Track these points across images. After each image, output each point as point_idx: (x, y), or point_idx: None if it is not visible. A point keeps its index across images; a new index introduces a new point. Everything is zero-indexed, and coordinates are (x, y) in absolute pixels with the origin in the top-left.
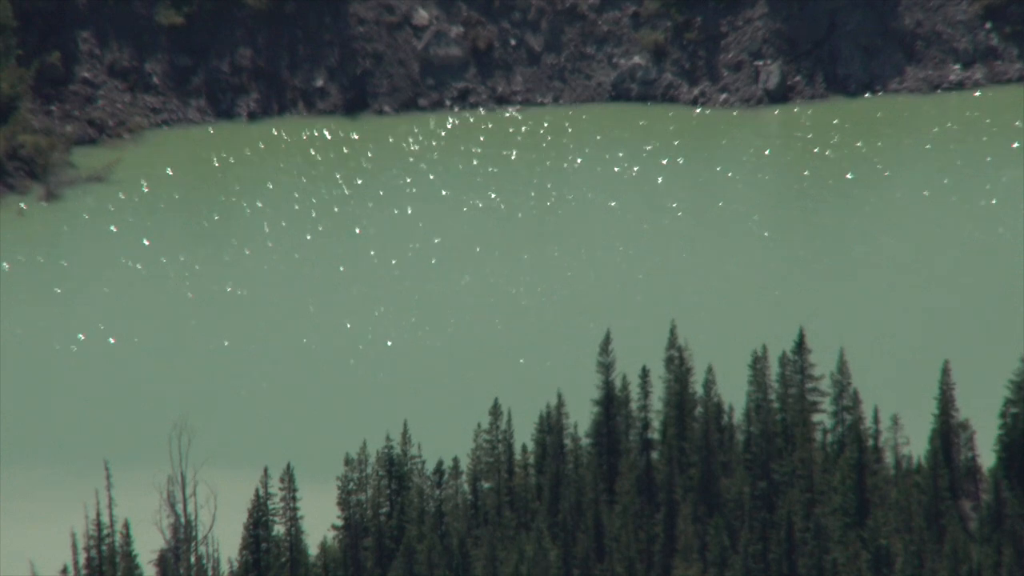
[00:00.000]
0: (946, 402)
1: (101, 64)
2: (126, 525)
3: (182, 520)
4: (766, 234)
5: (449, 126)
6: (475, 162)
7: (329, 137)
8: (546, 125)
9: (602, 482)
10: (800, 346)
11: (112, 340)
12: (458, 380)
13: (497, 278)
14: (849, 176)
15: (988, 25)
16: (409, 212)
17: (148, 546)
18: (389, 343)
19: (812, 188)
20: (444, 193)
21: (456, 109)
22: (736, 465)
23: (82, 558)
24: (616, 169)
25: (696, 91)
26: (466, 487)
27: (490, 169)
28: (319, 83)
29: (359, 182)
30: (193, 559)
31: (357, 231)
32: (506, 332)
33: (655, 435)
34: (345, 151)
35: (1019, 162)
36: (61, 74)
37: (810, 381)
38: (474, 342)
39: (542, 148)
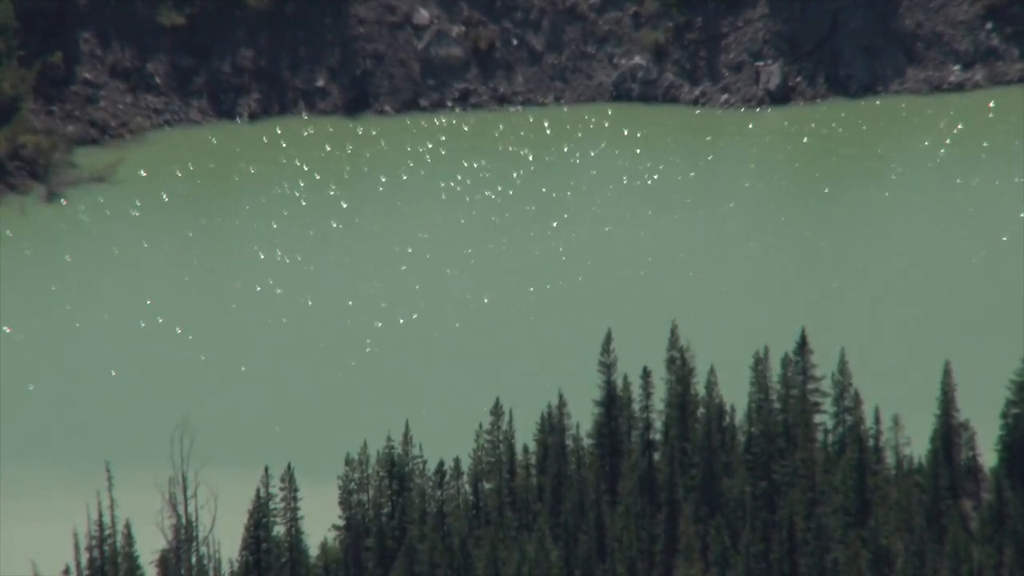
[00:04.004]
0: (947, 402)
1: (103, 65)
2: (127, 525)
3: (183, 520)
4: (767, 235)
5: (450, 126)
6: (476, 162)
7: (330, 137)
8: (547, 125)
9: (604, 482)
10: (801, 347)
11: (113, 340)
12: (459, 380)
13: (498, 278)
14: (849, 177)
15: (989, 26)
16: (410, 212)
17: (149, 546)
18: (390, 343)
19: (813, 189)
20: (445, 193)
21: (457, 109)
22: (738, 465)
23: (84, 558)
24: (617, 169)
25: (697, 91)
26: (467, 487)
27: (491, 169)
28: (320, 83)
29: (360, 182)
30: (194, 559)
31: (358, 231)
32: (507, 332)
33: (657, 436)
34: (346, 151)
35: (1020, 163)
36: (63, 74)
37: (811, 382)
38: (475, 342)
39: (543, 148)
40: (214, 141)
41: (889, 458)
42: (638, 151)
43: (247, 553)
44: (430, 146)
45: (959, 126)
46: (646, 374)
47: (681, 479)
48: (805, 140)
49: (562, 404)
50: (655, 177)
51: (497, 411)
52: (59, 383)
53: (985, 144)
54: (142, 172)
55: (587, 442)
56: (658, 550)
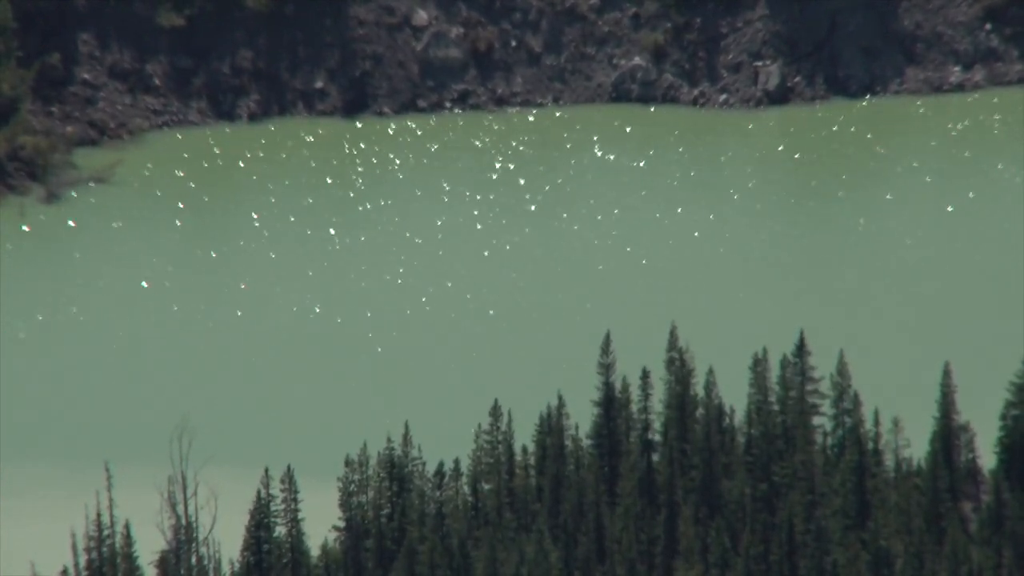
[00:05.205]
0: (947, 404)
1: (102, 65)
2: (127, 526)
3: (183, 521)
4: (766, 236)
5: (449, 127)
6: (475, 163)
7: (329, 138)
8: (546, 126)
9: (603, 483)
10: (800, 348)
11: (112, 340)
12: (458, 381)
13: (497, 279)
14: (849, 178)
15: (988, 27)
16: (409, 213)
17: (149, 547)
18: (389, 344)
19: (812, 190)
20: (444, 194)
21: (456, 110)
22: (737, 467)
23: (82, 559)
24: (616, 170)
25: (696, 92)
26: (467, 488)
27: (490, 170)
28: (319, 84)
29: (359, 183)
30: (194, 560)
31: (357, 232)
32: (506, 332)
33: (656, 437)
34: (345, 152)
35: (1020, 163)
36: (62, 75)
37: (810, 383)
38: (474, 342)
39: (542, 149)
40: (213, 142)
41: (888, 460)
42: (637, 152)
43: (248, 554)
44: (429, 147)
45: (959, 127)
46: (645, 375)
47: (680, 480)
48: (804, 141)
49: (561, 405)
50: (654, 178)
51: (496, 412)
52: (59, 383)
53: (985, 145)
54: (141, 173)
55: (586, 443)
56: (657, 551)
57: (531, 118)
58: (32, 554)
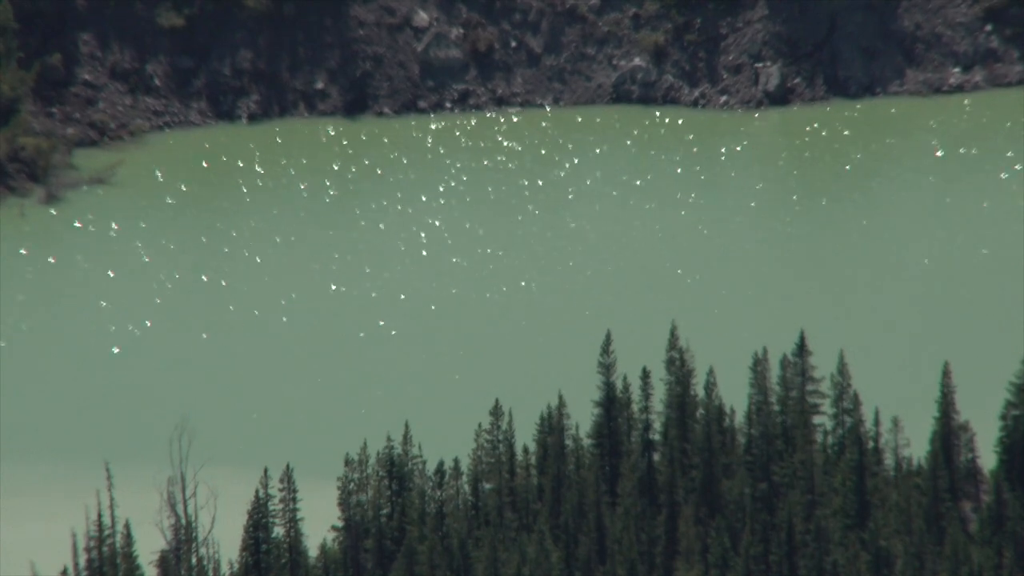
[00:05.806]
0: (947, 404)
1: (102, 66)
2: (127, 525)
3: (182, 521)
4: (766, 236)
5: (449, 128)
6: (474, 164)
7: (330, 139)
8: (546, 127)
9: (604, 483)
10: (801, 348)
11: (113, 340)
12: (459, 380)
13: (497, 279)
14: (849, 178)
15: (988, 27)
16: (409, 213)
17: (149, 547)
18: (389, 343)
19: (812, 190)
20: (444, 195)
21: (456, 111)
22: (737, 467)
23: (83, 559)
24: (616, 171)
25: (696, 93)
26: (467, 488)
27: (490, 171)
28: (319, 85)
29: (359, 184)
30: (194, 560)
31: (357, 232)
32: (507, 332)
33: (656, 437)
34: (346, 153)
35: (1019, 164)
36: (62, 76)
37: (811, 383)
38: (475, 342)
39: (542, 150)
40: (213, 143)
41: (888, 460)
42: (637, 153)
43: (247, 554)
44: (429, 147)
45: (958, 128)
46: (646, 375)
47: (681, 480)
48: (804, 141)
49: (562, 405)
50: (654, 178)
51: (497, 411)
52: (59, 383)
53: (984, 146)
54: (142, 174)
55: (587, 443)
56: (658, 551)
57: (531, 119)
58: (32, 554)
